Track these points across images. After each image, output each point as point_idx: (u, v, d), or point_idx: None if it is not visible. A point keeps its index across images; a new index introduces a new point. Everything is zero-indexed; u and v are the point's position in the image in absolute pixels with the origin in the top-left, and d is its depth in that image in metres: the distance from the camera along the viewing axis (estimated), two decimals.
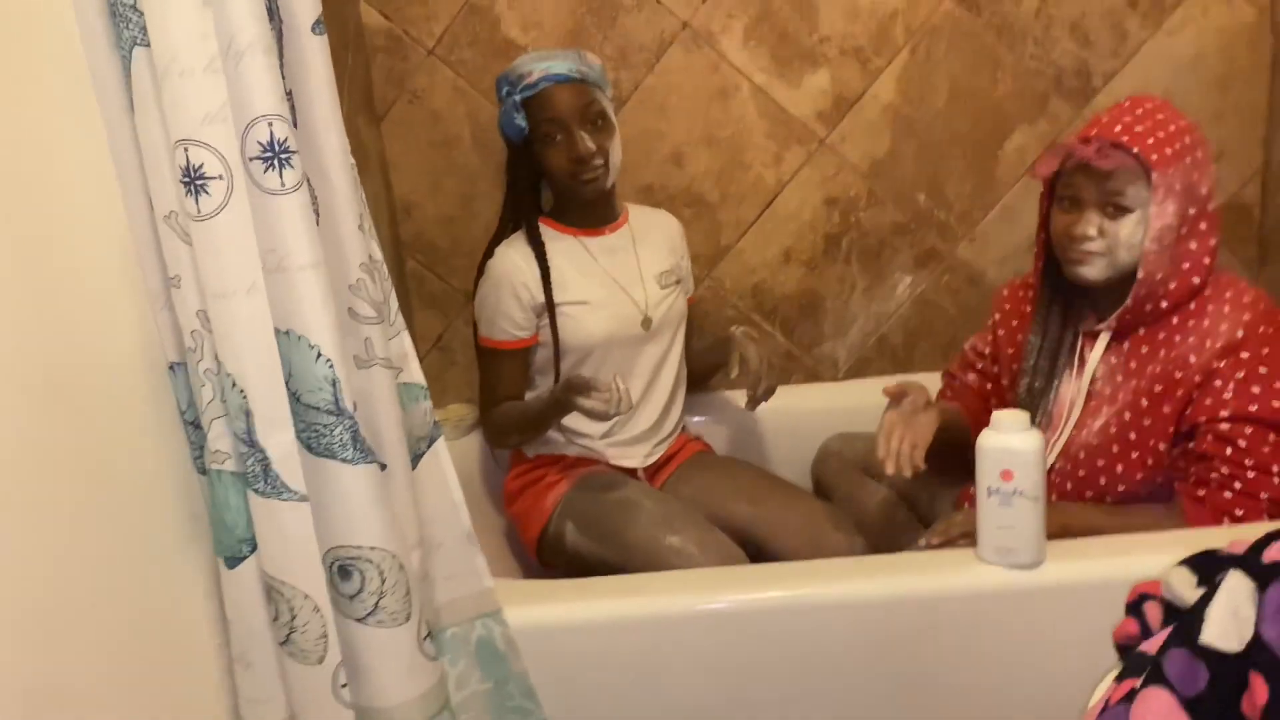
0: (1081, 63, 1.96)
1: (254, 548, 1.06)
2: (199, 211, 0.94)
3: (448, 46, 1.99)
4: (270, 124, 0.94)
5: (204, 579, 1.11)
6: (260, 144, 0.94)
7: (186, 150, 0.93)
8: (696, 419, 1.99)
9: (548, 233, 1.74)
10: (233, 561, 1.07)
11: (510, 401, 1.74)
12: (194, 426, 1.07)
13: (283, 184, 0.96)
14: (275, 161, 0.95)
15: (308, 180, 1.01)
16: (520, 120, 1.65)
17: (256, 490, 1.01)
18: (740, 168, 2.04)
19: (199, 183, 0.93)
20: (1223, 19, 1.93)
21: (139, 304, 1.05)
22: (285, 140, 0.95)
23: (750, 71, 1.99)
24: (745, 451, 2.00)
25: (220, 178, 0.94)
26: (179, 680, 1.07)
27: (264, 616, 1.08)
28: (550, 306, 1.69)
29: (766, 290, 2.12)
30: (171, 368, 1.07)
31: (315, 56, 1.03)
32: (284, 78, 1.00)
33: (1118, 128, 1.36)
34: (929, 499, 1.72)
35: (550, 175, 1.69)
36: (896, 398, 1.49)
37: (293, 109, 1.02)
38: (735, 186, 2.06)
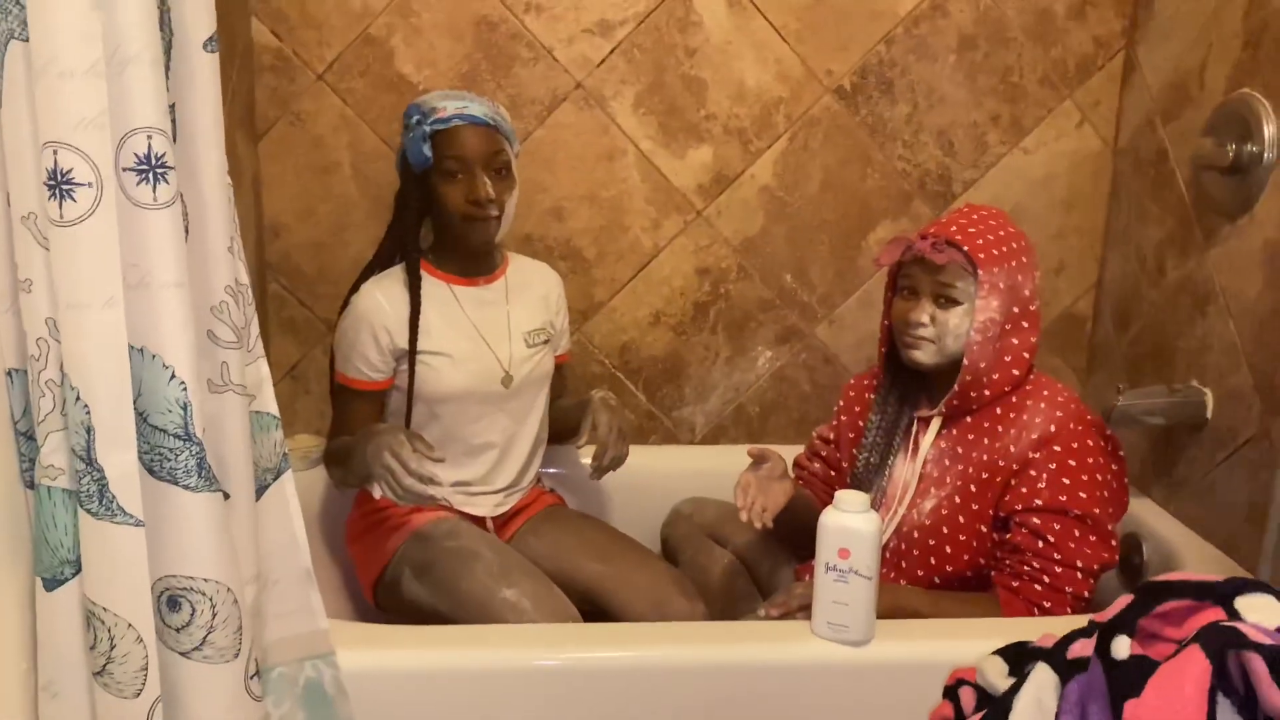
0: (945, 168, 2.10)
1: (78, 570, 1.00)
2: (62, 217, 0.91)
3: (338, 74, 1.98)
4: (149, 137, 0.92)
5: (18, 599, 1.05)
6: (137, 156, 0.92)
7: (56, 153, 0.90)
8: (551, 471, 2.00)
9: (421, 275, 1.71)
10: (52, 584, 1.01)
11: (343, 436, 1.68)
12: (26, 438, 1.02)
13: (155, 199, 0.94)
14: (150, 175, 0.92)
15: (181, 197, 0.99)
16: (427, 150, 1.62)
17: (89, 510, 0.97)
18: (619, 228, 2.09)
19: (65, 187, 0.90)
20: (1072, 145, 2.10)
21: None
22: (163, 155, 0.93)
23: (638, 138, 2.04)
24: (597, 508, 2.02)
25: (89, 185, 0.90)
26: None
27: (80, 644, 1.02)
28: (412, 353, 1.66)
29: (634, 350, 2.16)
30: (9, 374, 1.01)
31: (204, 73, 1.02)
32: (168, 90, 0.98)
33: (953, 228, 1.48)
34: (770, 569, 1.76)
35: (442, 213, 1.66)
36: (758, 461, 1.57)
37: (173, 123, 1.00)
38: (613, 246, 2.09)
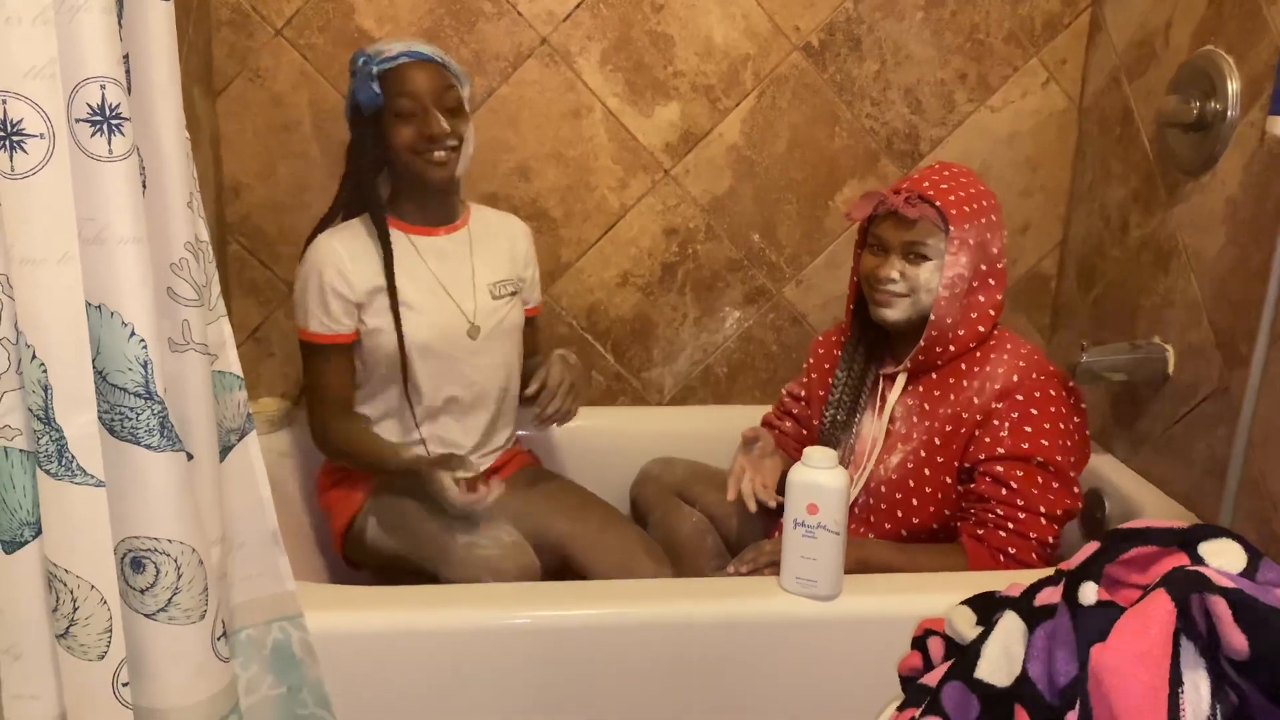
0: (912, 127, 2.09)
1: (38, 532, 0.98)
2: (13, 170, 0.88)
3: (297, 29, 1.93)
4: (103, 87, 0.89)
5: None
6: (90, 106, 0.89)
7: (5, 103, 0.87)
8: (525, 432, 1.99)
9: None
10: (11, 546, 0.99)
11: (360, 426, 1.69)
12: None
13: (110, 151, 0.91)
14: (105, 126, 0.90)
15: (138, 150, 0.96)
16: (376, 88, 1.57)
17: (48, 471, 0.95)
18: (586, 188, 2.07)
19: (16, 139, 0.87)
20: (1038, 104, 2.10)
21: None
22: (118, 106, 0.90)
23: (604, 95, 2.02)
24: (567, 468, 2.02)
25: (41, 136, 0.87)
26: None
27: (42, 606, 1.00)
28: (393, 297, 1.63)
29: (601, 311, 2.15)
30: None
31: (159, 22, 0.98)
32: (121, 40, 0.95)
33: (925, 184, 1.49)
34: (739, 528, 1.77)
35: (397, 156, 1.62)
36: (749, 442, 1.60)
37: (128, 74, 0.97)
38: (580, 205, 2.08)
